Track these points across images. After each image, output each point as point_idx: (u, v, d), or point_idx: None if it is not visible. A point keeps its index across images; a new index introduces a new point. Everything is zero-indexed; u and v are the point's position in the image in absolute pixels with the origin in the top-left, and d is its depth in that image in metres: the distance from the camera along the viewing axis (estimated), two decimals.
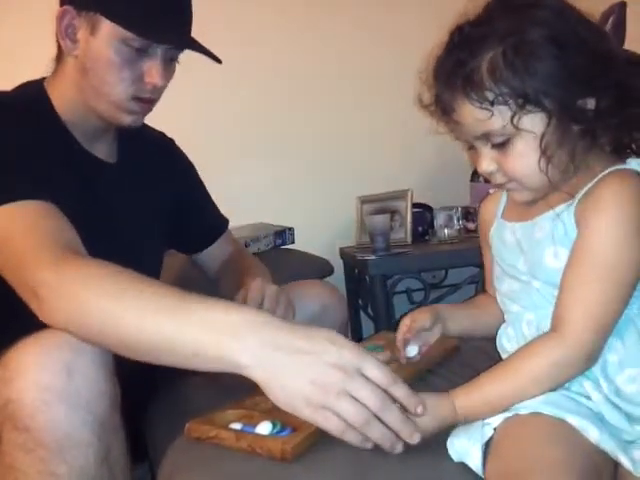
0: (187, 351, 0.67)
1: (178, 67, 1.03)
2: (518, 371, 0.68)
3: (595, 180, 0.70)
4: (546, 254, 0.72)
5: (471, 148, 0.75)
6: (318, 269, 1.65)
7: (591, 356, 0.66)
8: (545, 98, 0.66)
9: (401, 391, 0.65)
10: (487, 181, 0.79)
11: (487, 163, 0.72)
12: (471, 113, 0.69)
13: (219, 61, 0.99)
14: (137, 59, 0.94)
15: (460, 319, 0.94)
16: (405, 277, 1.77)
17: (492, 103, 0.67)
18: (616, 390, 0.68)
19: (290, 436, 0.68)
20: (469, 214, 1.97)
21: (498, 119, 0.68)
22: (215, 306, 0.70)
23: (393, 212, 1.98)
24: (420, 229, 2.02)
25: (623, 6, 1.72)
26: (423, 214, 2.04)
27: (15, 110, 0.93)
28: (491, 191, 0.91)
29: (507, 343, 0.80)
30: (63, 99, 0.99)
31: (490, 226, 0.86)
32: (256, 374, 0.65)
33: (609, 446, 0.63)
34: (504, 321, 0.85)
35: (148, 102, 0.98)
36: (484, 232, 0.89)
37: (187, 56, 1.01)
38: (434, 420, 0.67)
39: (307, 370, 0.64)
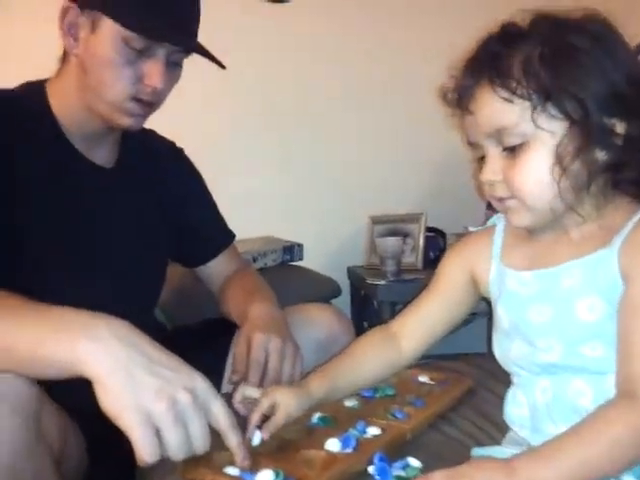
0: (26, 348, 0.63)
1: (188, 73, 0.99)
2: (597, 437, 0.58)
3: (631, 224, 0.64)
4: (579, 306, 0.65)
5: (479, 160, 0.69)
6: (326, 290, 1.60)
7: None
8: (571, 103, 0.62)
9: (234, 440, 0.65)
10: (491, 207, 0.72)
11: (492, 170, 0.66)
12: (490, 101, 0.65)
13: (223, 67, 0.96)
14: (138, 60, 0.90)
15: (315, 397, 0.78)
16: None
17: (514, 93, 0.63)
18: None
19: None
20: None
21: (516, 112, 0.63)
22: (67, 308, 0.66)
23: (405, 235, 1.93)
24: (432, 254, 1.96)
25: None
26: (436, 239, 1.99)
27: (9, 109, 0.92)
28: (471, 229, 0.83)
29: (516, 410, 0.72)
30: (63, 100, 0.96)
31: (479, 268, 0.77)
32: (97, 367, 0.60)
33: None
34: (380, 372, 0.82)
35: (148, 104, 0.95)
36: (463, 265, 0.80)
37: (195, 62, 0.97)
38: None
39: (157, 377, 0.61)
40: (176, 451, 0.60)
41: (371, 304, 1.79)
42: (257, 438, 0.71)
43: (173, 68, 0.95)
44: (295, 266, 1.75)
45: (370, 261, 1.97)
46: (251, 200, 1.95)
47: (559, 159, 0.63)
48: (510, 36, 0.66)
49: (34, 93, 0.97)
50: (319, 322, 1.12)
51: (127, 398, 0.59)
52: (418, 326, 0.84)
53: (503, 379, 0.83)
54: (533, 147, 0.64)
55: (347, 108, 2.06)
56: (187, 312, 1.36)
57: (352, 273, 1.97)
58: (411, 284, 1.70)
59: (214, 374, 1.00)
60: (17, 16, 1.71)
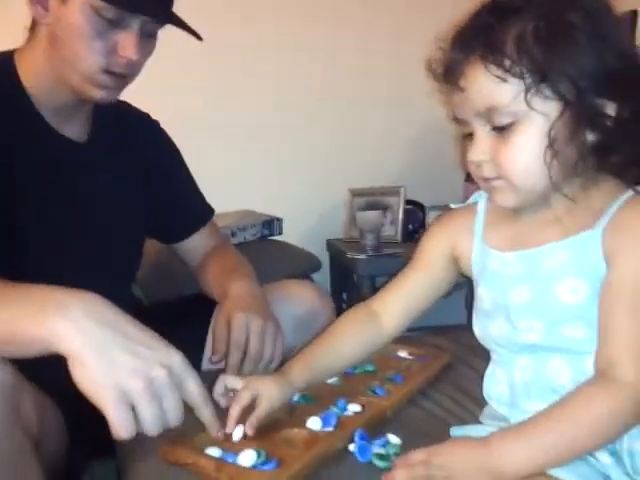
0: (2, 328, 0.63)
1: (165, 44, 0.96)
2: (573, 417, 0.59)
3: (616, 206, 0.64)
4: (560, 288, 0.65)
5: (466, 137, 0.67)
6: (306, 265, 1.59)
7: None
8: (565, 84, 0.60)
9: (207, 413, 0.66)
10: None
11: (481, 150, 0.64)
12: (481, 78, 0.62)
13: (200, 38, 0.94)
14: (110, 31, 0.87)
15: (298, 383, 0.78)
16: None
17: (508, 71, 0.61)
18: (630, 451, 0.62)
19: (277, 472, 0.62)
20: None
21: (508, 91, 0.61)
22: (43, 286, 0.66)
23: (385, 208, 1.93)
24: (411, 227, 1.97)
25: (634, 15, 1.68)
26: (415, 212, 1.99)
27: None
28: (453, 206, 0.81)
29: (495, 387, 0.73)
30: (32, 71, 0.92)
31: (464, 248, 0.76)
32: (71, 344, 0.60)
33: None
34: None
35: (121, 77, 0.92)
36: (447, 240, 0.79)
37: (171, 31, 0.94)
38: (460, 461, 0.60)
39: (133, 355, 0.61)
40: (151, 427, 0.61)
41: (351, 277, 1.80)
42: (238, 434, 0.69)
43: (147, 39, 0.92)
44: (274, 241, 1.74)
45: (350, 234, 1.97)
46: (230, 174, 1.92)
47: (551, 141, 0.61)
48: (503, 8, 0.63)
49: (2, 67, 0.93)
50: (299, 299, 1.12)
51: (102, 376, 0.59)
52: (399, 303, 0.83)
53: (481, 354, 0.84)
54: (524, 128, 0.62)
55: (328, 86, 2.02)
56: (164, 287, 1.34)
57: (331, 246, 1.97)
58: (391, 258, 1.70)
59: (192, 350, 0.99)
60: (16, 15, 1.63)
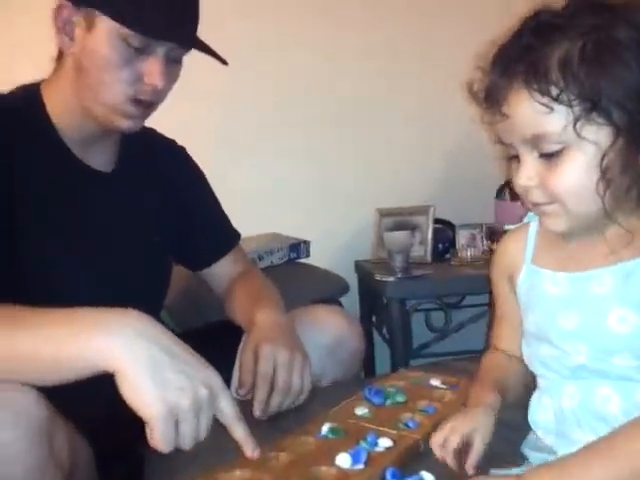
0: (48, 354, 0.64)
1: (195, 67, 0.96)
2: (615, 456, 0.56)
3: None
4: (610, 316, 0.62)
5: (511, 158, 0.65)
6: (335, 288, 1.57)
7: None
8: (617, 110, 0.57)
9: (240, 431, 0.67)
10: (515, 198, 0.70)
11: (528, 176, 0.62)
12: (527, 106, 0.59)
13: (225, 62, 0.94)
14: (136, 58, 0.87)
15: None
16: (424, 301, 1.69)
17: (555, 99, 0.57)
18: None
19: None
20: (494, 234, 1.87)
21: (556, 120, 0.58)
22: (78, 308, 0.67)
23: (413, 228, 1.89)
24: (440, 247, 1.93)
25: None
26: (444, 231, 1.96)
27: (6, 118, 0.89)
28: (507, 227, 0.80)
29: (541, 414, 0.69)
30: (58, 101, 0.93)
31: (515, 272, 0.74)
32: (119, 361, 0.61)
33: None
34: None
35: (148, 105, 0.92)
36: (504, 276, 0.77)
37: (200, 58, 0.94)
38: None
39: (180, 373, 0.63)
40: (188, 442, 0.63)
41: (380, 299, 1.77)
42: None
43: (173, 65, 0.92)
44: (302, 264, 1.72)
45: (378, 254, 1.93)
46: (256, 197, 1.92)
47: (604, 171, 0.58)
48: (546, 27, 0.60)
49: (30, 98, 0.94)
50: (327, 326, 1.10)
51: (153, 392, 0.61)
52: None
53: None
54: (574, 154, 0.59)
55: (356, 104, 2.01)
56: (193, 314, 1.34)
57: (360, 268, 1.94)
58: (421, 280, 1.67)
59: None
60: (17, 14, 1.68)
